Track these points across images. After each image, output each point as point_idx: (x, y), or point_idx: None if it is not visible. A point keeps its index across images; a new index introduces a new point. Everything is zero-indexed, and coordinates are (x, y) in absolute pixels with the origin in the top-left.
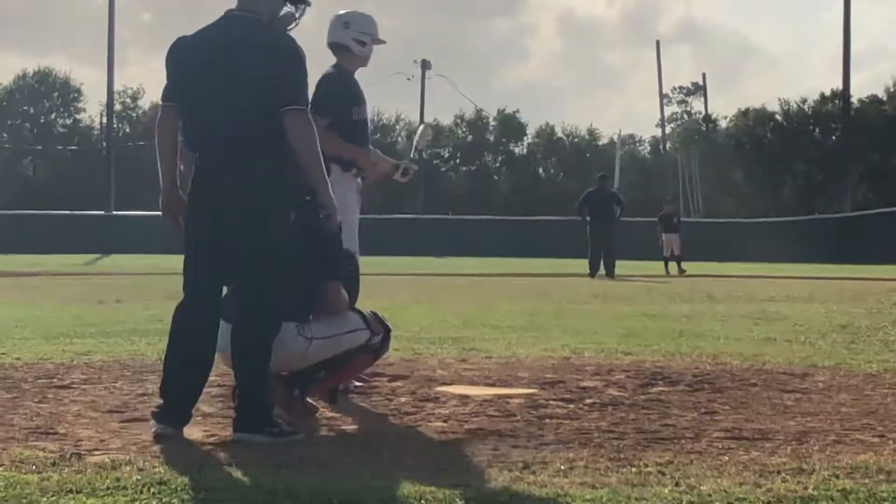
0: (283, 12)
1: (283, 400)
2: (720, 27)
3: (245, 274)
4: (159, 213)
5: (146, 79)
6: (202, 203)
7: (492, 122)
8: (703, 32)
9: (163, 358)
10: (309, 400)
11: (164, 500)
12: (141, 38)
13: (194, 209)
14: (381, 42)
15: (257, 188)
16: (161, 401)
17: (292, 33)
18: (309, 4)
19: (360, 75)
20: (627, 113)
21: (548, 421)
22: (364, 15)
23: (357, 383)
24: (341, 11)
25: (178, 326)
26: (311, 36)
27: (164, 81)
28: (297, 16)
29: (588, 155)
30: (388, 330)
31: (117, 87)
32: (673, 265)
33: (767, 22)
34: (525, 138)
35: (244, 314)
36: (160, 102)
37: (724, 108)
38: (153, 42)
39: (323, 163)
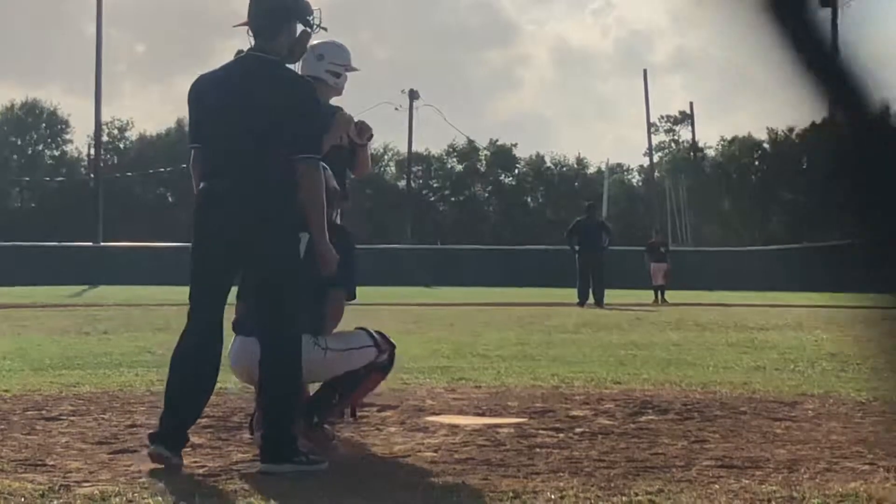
0: (299, 32)
1: (304, 429)
2: (713, 56)
3: (266, 300)
4: (147, 244)
5: (140, 109)
6: (212, 232)
7: (482, 153)
8: (696, 62)
9: (151, 389)
10: (326, 427)
11: None
12: (134, 70)
13: (203, 237)
14: (354, 70)
15: (270, 214)
16: (160, 425)
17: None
18: (314, 17)
19: (348, 105)
20: (617, 142)
21: (538, 450)
22: (337, 45)
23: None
24: (314, 41)
25: (184, 350)
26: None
27: (154, 113)
28: (313, 26)
29: (576, 184)
30: (393, 347)
31: (106, 118)
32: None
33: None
34: (515, 169)
35: (272, 343)
36: (189, 144)
37: (715, 137)
38: (146, 74)
39: (325, 214)
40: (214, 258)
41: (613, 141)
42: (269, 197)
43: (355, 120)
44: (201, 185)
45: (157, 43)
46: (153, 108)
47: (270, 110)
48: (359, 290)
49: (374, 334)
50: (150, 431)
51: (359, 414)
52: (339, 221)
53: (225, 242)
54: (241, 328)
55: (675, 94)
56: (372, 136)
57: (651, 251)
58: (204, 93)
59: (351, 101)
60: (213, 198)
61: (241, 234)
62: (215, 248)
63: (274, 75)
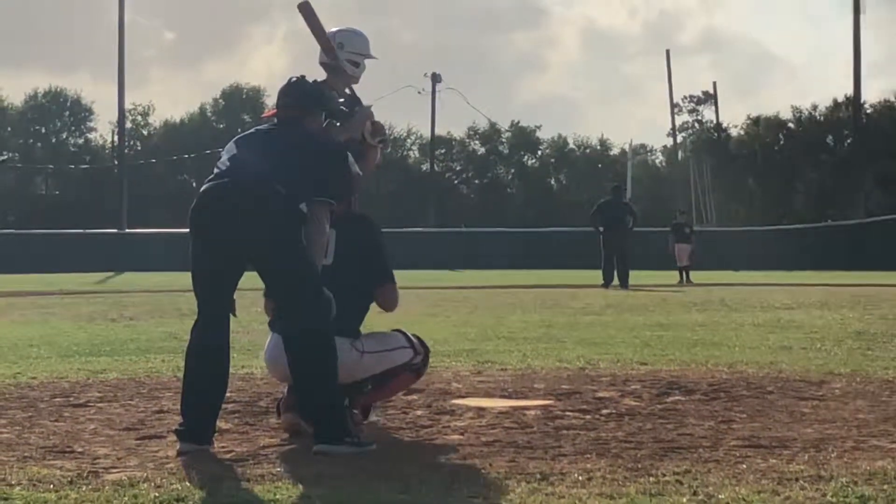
0: (325, 122)
1: None
2: (740, 37)
3: (278, 288)
4: (171, 230)
5: (167, 95)
6: (212, 225)
7: (504, 135)
8: (723, 42)
9: (178, 375)
10: (354, 411)
11: None
12: (163, 57)
13: (202, 231)
14: (373, 58)
15: (266, 202)
16: (182, 419)
17: None
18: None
19: (373, 89)
20: (642, 123)
21: (564, 432)
22: (357, 33)
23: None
24: (333, 29)
25: (196, 345)
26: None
27: (181, 99)
28: (338, 116)
29: (600, 165)
30: (427, 351)
31: (129, 104)
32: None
33: (788, 30)
34: (539, 151)
35: (300, 327)
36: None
37: (740, 117)
38: (175, 60)
39: (323, 248)
40: (213, 255)
41: (638, 122)
42: (266, 186)
43: (374, 118)
44: (201, 188)
45: (185, 29)
46: (180, 94)
47: (295, 148)
48: None
49: (412, 337)
50: (176, 427)
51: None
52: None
53: (223, 237)
54: (275, 326)
55: (702, 74)
56: (383, 140)
57: (675, 231)
58: (239, 136)
59: (376, 85)
60: (209, 195)
61: (240, 230)
62: (213, 244)
63: (301, 129)
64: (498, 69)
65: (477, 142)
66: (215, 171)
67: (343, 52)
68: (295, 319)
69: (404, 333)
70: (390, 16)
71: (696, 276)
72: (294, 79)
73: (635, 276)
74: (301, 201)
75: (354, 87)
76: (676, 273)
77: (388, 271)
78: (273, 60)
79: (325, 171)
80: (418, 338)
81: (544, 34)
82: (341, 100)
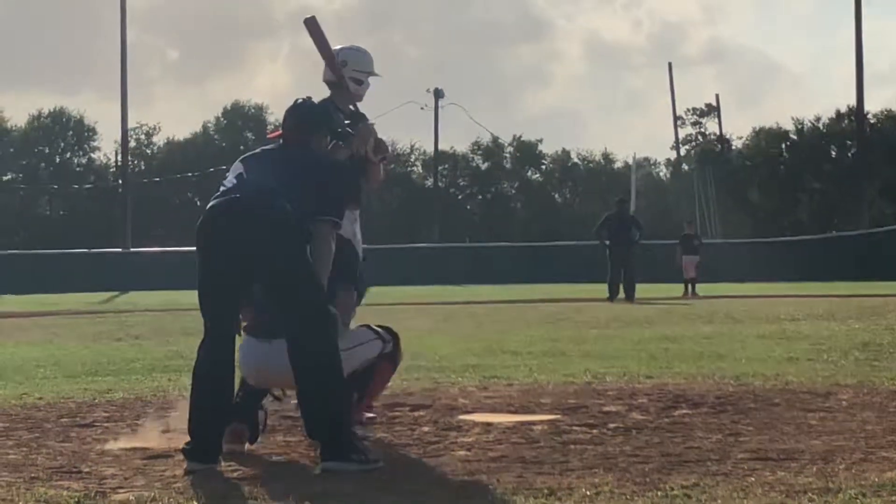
0: (330, 144)
1: None
2: (745, 48)
3: (287, 305)
4: (176, 248)
5: (171, 114)
6: (218, 242)
7: (507, 149)
8: (728, 53)
9: (184, 394)
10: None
11: None
12: (168, 76)
13: (209, 248)
14: (376, 76)
15: (273, 217)
16: (190, 439)
17: None
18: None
19: (376, 105)
20: (645, 136)
21: (572, 447)
22: (361, 51)
23: (369, 415)
24: (337, 47)
25: (202, 363)
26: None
27: (185, 117)
28: (343, 138)
29: (603, 178)
30: (397, 337)
31: (133, 123)
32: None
33: (792, 40)
34: (542, 165)
35: (307, 343)
36: None
37: (745, 128)
38: (180, 79)
39: (329, 266)
40: (220, 272)
41: (641, 135)
42: (272, 204)
43: (377, 135)
44: (207, 205)
45: (189, 48)
46: (184, 112)
47: (302, 167)
48: (387, 289)
49: (376, 328)
50: (183, 447)
51: (374, 416)
52: (357, 227)
53: (230, 254)
54: (250, 330)
55: (707, 86)
56: (386, 157)
57: (683, 244)
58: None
59: (379, 100)
60: (215, 212)
61: (247, 244)
62: (219, 261)
63: (302, 153)
64: (502, 83)
65: (480, 157)
66: (221, 188)
67: (347, 70)
68: (299, 338)
69: (370, 327)
70: (394, 31)
71: (700, 288)
72: (300, 100)
73: (641, 289)
74: (307, 220)
75: (358, 104)
76: (682, 286)
77: (352, 276)
78: (278, 78)
79: (331, 191)
80: (385, 327)
81: (548, 47)
82: (347, 121)
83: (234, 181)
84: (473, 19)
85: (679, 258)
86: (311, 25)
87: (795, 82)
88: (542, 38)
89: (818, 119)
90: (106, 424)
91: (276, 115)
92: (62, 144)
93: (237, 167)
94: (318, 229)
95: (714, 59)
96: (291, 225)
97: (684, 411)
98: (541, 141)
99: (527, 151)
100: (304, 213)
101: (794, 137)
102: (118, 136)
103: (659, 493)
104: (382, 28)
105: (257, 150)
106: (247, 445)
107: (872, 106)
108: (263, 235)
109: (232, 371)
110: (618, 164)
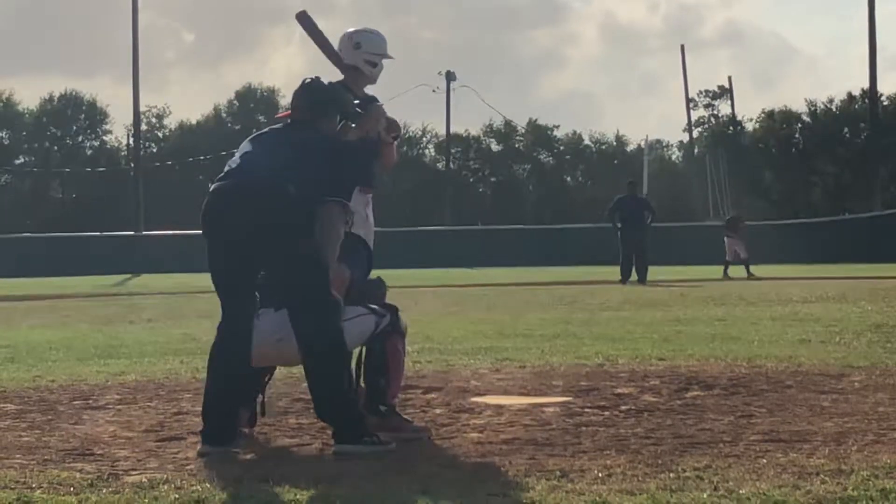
0: (340, 125)
1: (378, 422)
2: (761, 30)
3: (293, 291)
4: (188, 231)
5: (185, 97)
6: (222, 224)
7: (519, 132)
8: (743, 35)
9: (197, 376)
10: (398, 413)
11: None
12: (183, 59)
13: (213, 231)
14: (390, 58)
15: (277, 199)
16: (205, 422)
17: None
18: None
19: (390, 87)
20: (659, 118)
21: (584, 429)
22: (375, 34)
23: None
24: (351, 30)
25: (218, 344)
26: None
27: (198, 100)
28: (353, 118)
29: (616, 161)
30: (393, 308)
31: (145, 106)
32: (733, 269)
33: (807, 23)
34: (555, 147)
35: (310, 326)
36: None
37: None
38: (194, 63)
39: (337, 248)
40: (226, 254)
41: (655, 117)
42: (275, 185)
43: (387, 115)
44: (210, 187)
45: (204, 31)
46: (198, 95)
47: (297, 154)
48: (401, 272)
49: (367, 305)
50: (200, 430)
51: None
52: (370, 210)
53: (233, 235)
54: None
55: (722, 68)
56: (398, 135)
57: (728, 226)
58: (253, 137)
59: (394, 82)
60: (218, 194)
61: (249, 225)
62: (224, 243)
63: (309, 133)
64: (518, 66)
65: (493, 140)
66: (226, 169)
67: (361, 53)
68: (304, 321)
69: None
70: (409, 14)
71: (711, 271)
72: (308, 80)
73: (653, 272)
74: (312, 201)
75: (372, 86)
76: (721, 268)
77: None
78: (292, 61)
79: (337, 172)
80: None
81: (564, 30)
82: (357, 101)
83: (239, 161)
84: (489, 2)
85: (725, 241)
86: (304, 20)
87: (810, 65)
88: (558, 22)
89: (831, 101)
90: (119, 407)
91: (288, 98)
92: (74, 128)
93: (244, 146)
94: (325, 210)
95: (730, 42)
96: (295, 206)
97: (696, 393)
98: (558, 126)
99: (540, 134)
100: (310, 194)
101: (808, 119)
102: (130, 120)
103: (671, 475)
104: (398, 11)
105: (266, 130)
106: (246, 429)
107: (885, 88)
108: (264, 221)
109: (247, 353)
110: (630, 147)
